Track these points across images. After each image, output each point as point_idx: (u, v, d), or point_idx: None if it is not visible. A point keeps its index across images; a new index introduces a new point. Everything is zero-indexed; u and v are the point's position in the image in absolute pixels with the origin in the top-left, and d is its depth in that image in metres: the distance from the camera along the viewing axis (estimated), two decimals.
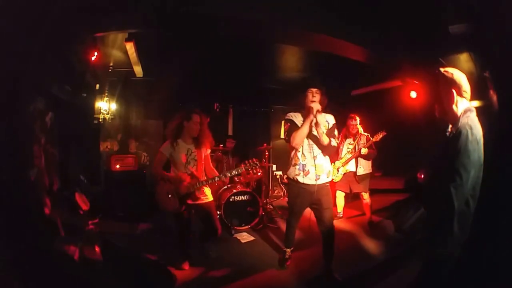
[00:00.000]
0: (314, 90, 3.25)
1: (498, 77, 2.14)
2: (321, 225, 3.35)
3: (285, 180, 3.51)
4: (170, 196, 3.44)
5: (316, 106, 3.16)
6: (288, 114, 3.42)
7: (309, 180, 3.26)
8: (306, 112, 3.24)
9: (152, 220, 5.32)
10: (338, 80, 6.38)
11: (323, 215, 3.31)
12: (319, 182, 3.25)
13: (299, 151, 3.31)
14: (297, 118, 3.36)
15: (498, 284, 1.82)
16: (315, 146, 3.30)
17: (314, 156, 3.27)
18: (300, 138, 3.20)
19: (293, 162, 3.36)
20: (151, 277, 2.89)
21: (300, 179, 3.28)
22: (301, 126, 3.21)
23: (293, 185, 3.38)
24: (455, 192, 1.80)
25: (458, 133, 1.89)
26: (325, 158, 3.35)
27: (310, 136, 3.27)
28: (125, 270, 2.83)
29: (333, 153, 3.75)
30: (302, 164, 3.29)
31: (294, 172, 3.33)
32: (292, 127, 3.29)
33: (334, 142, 3.30)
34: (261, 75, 6.81)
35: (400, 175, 6.56)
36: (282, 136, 3.43)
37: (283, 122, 3.39)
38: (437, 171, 2.18)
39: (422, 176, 5.16)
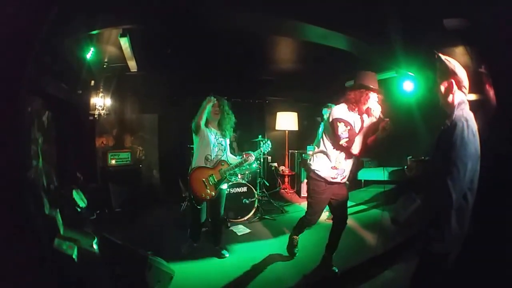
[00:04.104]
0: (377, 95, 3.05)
1: (493, 72, 2.14)
2: (338, 214, 3.40)
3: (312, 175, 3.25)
4: (206, 183, 3.62)
5: (379, 109, 2.99)
6: (338, 111, 3.06)
7: (337, 180, 3.23)
8: (364, 112, 3.06)
9: (150, 214, 5.33)
10: (332, 71, 6.40)
11: (342, 205, 3.36)
12: (344, 180, 3.29)
13: (340, 155, 3.13)
14: (349, 117, 3.04)
15: (499, 282, 1.83)
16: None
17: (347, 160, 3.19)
18: (361, 145, 2.99)
19: (331, 165, 3.15)
20: (149, 272, 2.89)
21: (334, 180, 3.20)
22: (362, 131, 2.99)
23: (322, 182, 3.21)
24: (452, 184, 1.75)
25: (453, 125, 1.83)
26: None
27: None
28: (123, 266, 2.83)
29: None
30: (341, 169, 3.17)
31: (331, 175, 3.17)
32: (353, 131, 3.00)
33: None
34: (255, 67, 6.77)
35: (396, 166, 6.59)
36: (341, 137, 2.96)
37: (335, 121, 2.99)
38: (432, 164, 2.16)
39: (410, 170, 5.20)
